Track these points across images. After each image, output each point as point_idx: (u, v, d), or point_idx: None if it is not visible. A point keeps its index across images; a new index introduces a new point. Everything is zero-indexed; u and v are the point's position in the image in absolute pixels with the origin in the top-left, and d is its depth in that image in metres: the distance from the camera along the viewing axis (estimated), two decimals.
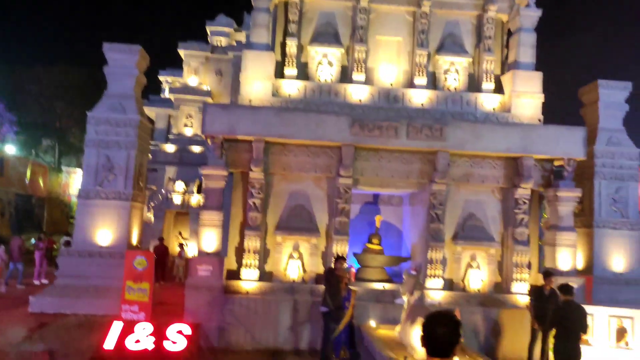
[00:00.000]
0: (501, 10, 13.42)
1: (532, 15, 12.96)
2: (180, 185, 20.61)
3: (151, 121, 24.71)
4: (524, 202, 12.01)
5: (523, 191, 11.96)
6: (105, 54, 14.73)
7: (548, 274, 10.50)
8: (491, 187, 12.37)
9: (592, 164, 13.37)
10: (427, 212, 11.97)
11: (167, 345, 9.33)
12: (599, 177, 13.34)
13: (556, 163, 12.38)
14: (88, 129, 14.43)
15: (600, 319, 10.21)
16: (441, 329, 2.87)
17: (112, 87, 14.76)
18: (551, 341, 9.68)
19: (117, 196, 14.09)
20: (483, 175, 12.21)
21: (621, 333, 10.22)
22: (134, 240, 14.67)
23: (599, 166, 13.34)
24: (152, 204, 22.66)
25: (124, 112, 14.41)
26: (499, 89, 13.35)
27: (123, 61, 14.65)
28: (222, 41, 26.37)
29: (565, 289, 8.43)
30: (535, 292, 10.58)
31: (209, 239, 11.54)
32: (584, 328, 8.20)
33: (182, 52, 24.46)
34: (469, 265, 12.04)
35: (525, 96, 12.72)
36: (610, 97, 13.70)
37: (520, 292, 11.70)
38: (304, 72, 13.21)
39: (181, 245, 18.06)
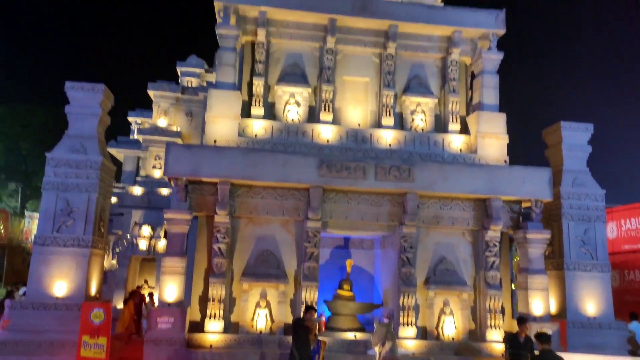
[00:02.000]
0: (464, 53, 13.70)
1: (494, 58, 13.24)
2: (146, 230, 19.84)
3: (118, 163, 24.04)
4: (494, 245, 11.87)
5: (493, 233, 11.84)
6: (67, 93, 14.26)
7: (522, 320, 10.21)
8: (461, 230, 12.21)
9: (559, 205, 13.39)
10: (398, 256, 11.69)
11: None
12: (567, 218, 13.33)
13: (524, 204, 12.36)
14: (47, 171, 13.78)
15: None
16: None
17: (74, 127, 14.23)
18: None
19: (76, 243, 13.32)
20: (453, 217, 12.06)
21: None
22: (93, 290, 13.83)
23: (566, 207, 13.35)
24: (117, 249, 21.75)
25: (85, 152, 13.85)
26: (465, 129, 13.44)
27: (86, 100, 14.20)
28: (192, 82, 26.24)
29: (543, 338, 8.17)
30: (510, 339, 10.24)
31: (171, 287, 10.94)
32: None
33: (151, 93, 24.15)
34: (442, 312, 11.69)
35: (490, 137, 12.82)
36: (573, 138, 13.89)
37: (495, 340, 11.37)
38: (271, 112, 13.07)
39: (150, 295, 17.15)
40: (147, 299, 16.98)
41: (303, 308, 10.11)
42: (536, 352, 8.64)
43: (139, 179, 23.05)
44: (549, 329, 9.55)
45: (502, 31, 13.47)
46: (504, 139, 12.93)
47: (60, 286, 13.05)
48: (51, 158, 13.80)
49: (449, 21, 13.35)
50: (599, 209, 13.50)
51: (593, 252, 13.21)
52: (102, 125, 14.67)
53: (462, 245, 12.21)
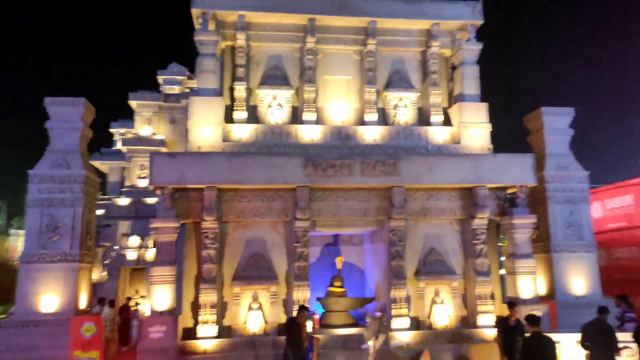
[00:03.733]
0: (444, 45, 13.81)
1: (473, 48, 13.37)
2: (134, 240, 19.72)
3: (102, 175, 23.78)
4: (482, 232, 11.99)
5: (480, 221, 11.96)
6: (47, 109, 14.11)
7: (512, 304, 10.35)
8: (449, 220, 12.32)
9: (544, 189, 13.55)
10: (387, 250, 11.76)
11: None
12: (552, 201, 13.50)
13: (509, 191, 12.51)
14: (30, 188, 13.63)
15: (568, 346, 10.08)
16: None
17: (55, 143, 14.09)
18: None
19: (63, 258, 13.18)
20: (440, 208, 12.17)
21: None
22: (83, 304, 13.71)
23: (550, 191, 13.52)
24: (105, 261, 21.57)
25: (68, 167, 13.72)
26: (448, 121, 13.56)
27: (66, 115, 14.06)
28: (174, 89, 26.08)
29: (532, 320, 8.27)
30: (501, 323, 10.38)
31: (162, 296, 10.89)
32: None
33: (133, 103, 23.99)
34: (434, 301, 11.80)
35: (473, 127, 12.95)
36: (555, 123, 14.06)
37: (486, 325, 11.51)
38: (254, 115, 13.06)
39: (137, 304, 17.02)
40: (133, 309, 16.86)
41: (296, 308, 10.14)
42: (527, 335, 8.76)
43: (124, 189, 22.87)
44: (538, 311, 9.68)
45: (479, 22, 13.61)
46: (487, 128, 13.07)
47: (49, 302, 12.93)
48: (34, 175, 13.65)
49: (427, 15, 13.45)
50: (583, 190, 13.69)
51: (579, 233, 13.39)
52: (84, 139, 14.54)
53: (450, 235, 12.32)
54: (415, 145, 12.92)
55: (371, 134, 12.97)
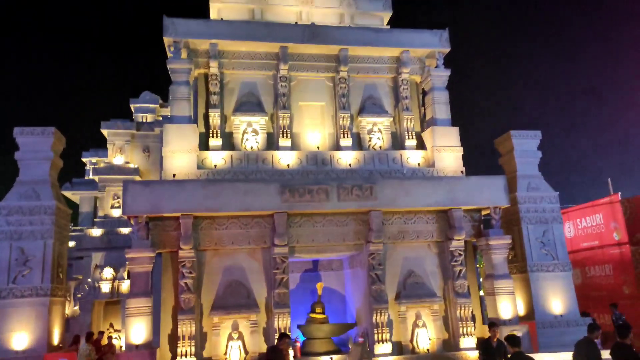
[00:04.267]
0: (414, 71, 14.18)
1: (442, 75, 13.76)
2: (108, 272, 19.16)
3: (74, 205, 23.23)
4: (460, 254, 12.12)
5: (457, 243, 12.11)
6: (17, 139, 13.82)
7: (492, 325, 10.40)
8: (427, 242, 12.43)
9: (517, 210, 13.87)
10: (367, 274, 11.75)
11: None
12: (525, 222, 13.81)
13: (484, 212, 12.73)
14: None
15: None
16: None
17: (25, 173, 13.77)
18: None
19: (34, 292, 12.74)
20: (417, 230, 12.28)
21: None
22: (55, 340, 13.19)
23: (523, 212, 13.85)
24: (78, 295, 20.86)
25: (38, 198, 13.39)
26: (421, 145, 13.81)
27: (36, 145, 13.80)
28: (147, 117, 25.89)
29: (512, 340, 8.29)
30: (483, 345, 10.41)
31: (138, 329, 10.58)
32: None
33: (105, 132, 23.67)
34: (415, 325, 11.77)
35: (446, 150, 13.22)
36: (524, 145, 14.52)
37: (469, 347, 11.52)
38: (229, 142, 13.05)
39: (109, 339, 16.46)
40: (107, 341, 16.28)
41: (277, 336, 9.98)
42: (509, 355, 8.78)
43: (97, 220, 22.35)
44: (518, 331, 9.73)
45: (446, 49, 14.04)
46: (459, 151, 13.35)
47: (20, 339, 12.42)
48: (3, 207, 13.27)
49: (396, 43, 13.82)
50: (555, 210, 14.05)
51: (553, 253, 13.68)
52: (54, 169, 14.25)
53: (428, 258, 12.40)
54: (390, 169, 13.08)
55: (347, 159, 13.09)
